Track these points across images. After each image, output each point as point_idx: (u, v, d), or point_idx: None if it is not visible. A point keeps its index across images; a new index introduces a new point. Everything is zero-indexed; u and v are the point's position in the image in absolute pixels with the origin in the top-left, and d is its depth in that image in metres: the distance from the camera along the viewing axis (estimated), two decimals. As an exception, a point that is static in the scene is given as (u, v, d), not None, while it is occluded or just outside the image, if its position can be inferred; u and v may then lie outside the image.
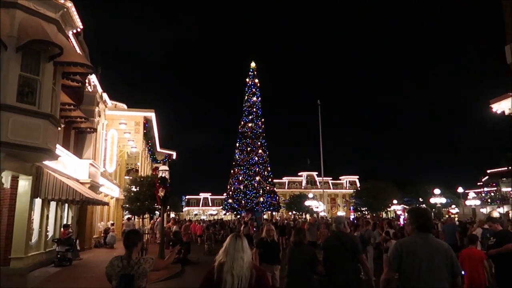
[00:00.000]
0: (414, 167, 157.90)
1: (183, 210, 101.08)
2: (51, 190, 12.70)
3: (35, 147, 10.26)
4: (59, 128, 12.05)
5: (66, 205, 17.41)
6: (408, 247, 3.56)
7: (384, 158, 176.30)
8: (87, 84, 20.86)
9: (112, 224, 23.54)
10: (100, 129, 21.11)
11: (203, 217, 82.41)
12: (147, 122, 23.65)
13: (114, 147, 21.46)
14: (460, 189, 52.20)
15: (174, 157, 37.13)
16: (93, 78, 22.32)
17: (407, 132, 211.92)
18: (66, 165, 16.25)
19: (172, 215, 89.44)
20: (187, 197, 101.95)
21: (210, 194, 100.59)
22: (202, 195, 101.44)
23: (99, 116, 20.31)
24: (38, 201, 13.76)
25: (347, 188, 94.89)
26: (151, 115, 23.21)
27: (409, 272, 3.47)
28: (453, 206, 56.97)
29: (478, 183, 56.66)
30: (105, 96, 25.69)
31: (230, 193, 50.18)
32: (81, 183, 17.80)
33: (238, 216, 44.48)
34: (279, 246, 7.88)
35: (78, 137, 18.46)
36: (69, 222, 17.28)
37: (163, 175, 14.42)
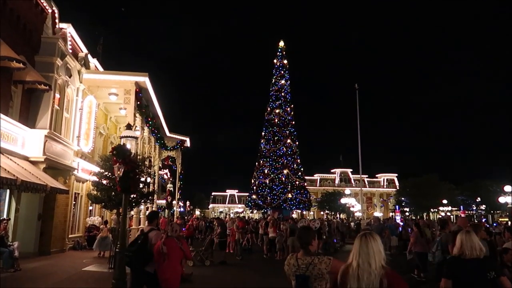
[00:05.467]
0: (460, 167, 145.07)
1: (209, 207, 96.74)
2: None
3: None
4: None
5: (8, 191, 12.39)
6: None
7: (424, 157, 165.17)
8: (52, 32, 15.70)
9: (106, 223, 16.80)
10: (74, 95, 16.04)
11: (231, 215, 77.58)
12: (140, 91, 18.34)
13: (91, 118, 16.28)
14: (508, 188, 44.86)
15: (188, 144, 31.81)
16: (71, 31, 17.32)
17: (448, 130, 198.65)
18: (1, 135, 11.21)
19: (197, 212, 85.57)
20: (213, 193, 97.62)
21: (237, 191, 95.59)
22: (229, 192, 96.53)
23: (69, 76, 15.18)
24: None
25: (385, 186, 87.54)
26: (144, 80, 17.77)
27: None
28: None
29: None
30: (94, 61, 20.68)
31: (255, 188, 44.24)
32: (31, 161, 12.77)
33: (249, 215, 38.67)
34: None
35: (28, 98, 13.37)
36: (10, 216, 12.23)
37: (123, 144, 8.92)
